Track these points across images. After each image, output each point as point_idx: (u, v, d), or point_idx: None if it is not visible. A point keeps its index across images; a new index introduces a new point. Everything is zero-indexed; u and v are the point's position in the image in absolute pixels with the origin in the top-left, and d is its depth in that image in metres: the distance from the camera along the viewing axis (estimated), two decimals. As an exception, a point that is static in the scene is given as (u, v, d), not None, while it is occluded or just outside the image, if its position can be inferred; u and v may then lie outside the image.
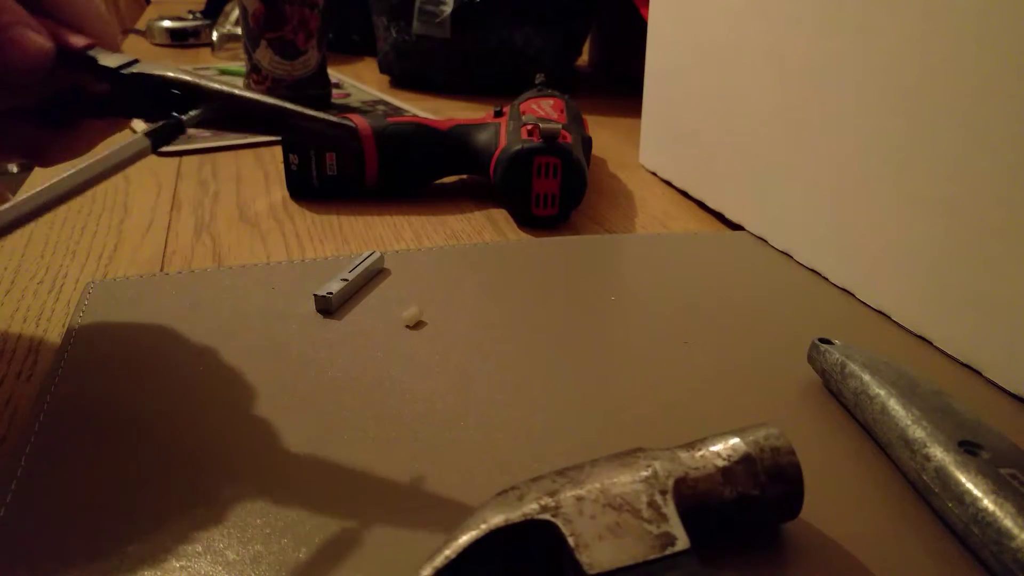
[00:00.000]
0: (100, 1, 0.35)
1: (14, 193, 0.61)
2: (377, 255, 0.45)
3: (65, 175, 0.27)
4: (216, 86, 0.31)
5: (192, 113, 0.30)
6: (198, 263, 0.48)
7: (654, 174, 0.68)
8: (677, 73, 0.61)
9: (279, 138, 0.57)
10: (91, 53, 0.32)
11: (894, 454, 0.30)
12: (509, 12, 0.89)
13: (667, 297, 0.44)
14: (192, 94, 0.31)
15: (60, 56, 0.32)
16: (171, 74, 0.31)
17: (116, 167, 0.28)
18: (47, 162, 0.36)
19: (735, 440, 0.26)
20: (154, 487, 0.28)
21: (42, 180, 0.61)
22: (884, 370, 0.33)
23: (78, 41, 0.32)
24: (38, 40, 0.30)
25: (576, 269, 0.47)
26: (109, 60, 0.32)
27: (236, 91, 0.31)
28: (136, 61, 0.32)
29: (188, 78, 0.31)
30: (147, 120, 0.32)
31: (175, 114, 0.30)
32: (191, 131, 0.74)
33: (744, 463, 0.25)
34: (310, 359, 0.36)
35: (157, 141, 0.29)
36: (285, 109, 0.31)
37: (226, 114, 0.31)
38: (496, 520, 0.23)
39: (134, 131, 0.67)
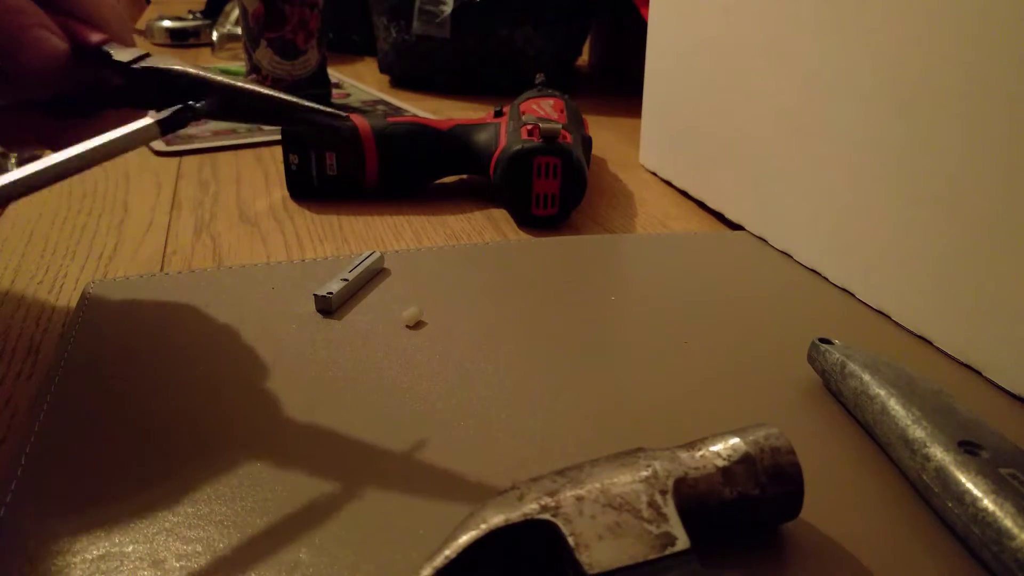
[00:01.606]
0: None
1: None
2: (377, 255, 0.45)
3: (75, 150, 0.29)
4: (221, 79, 0.33)
5: (199, 104, 0.32)
6: (198, 263, 0.48)
7: (654, 174, 0.68)
8: (677, 73, 0.61)
9: (279, 138, 0.57)
10: (105, 48, 0.34)
11: (894, 454, 0.30)
12: (509, 12, 0.89)
13: (667, 297, 0.44)
14: (199, 87, 0.33)
15: (76, 52, 0.33)
16: (178, 67, 0.33)
17: (123, 148, 0.30)
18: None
19: (735, 440, 0.26)
20: (154, 486, 0.28)
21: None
22: (884, 370, 0.33)
23: (93, 37, 0.34)
24: (54, 41, 0.32)
25: (576, 269, 0.47)
26: (122, 55, 0.34)
27: (240, 84, 0.33)
28: (147, 55, 0.34)
29: (195, 71, 0.33)
30: (159, 111, 0.34)
31: (190, 103, 0.32)
32: (192, 131, 0.74)
33: (744, 463, 0.25)
34: (310, 359, 0.36)
35: (166, 127, 0.31)
36: (287, 101, 0.32)
37: (231, 106, 0.33)
38: (496, 520, 0.23)
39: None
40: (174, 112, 0.31)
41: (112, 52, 0.34)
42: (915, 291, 0.40)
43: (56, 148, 0.37)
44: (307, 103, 0.32)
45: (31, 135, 0.37)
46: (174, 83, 0.33)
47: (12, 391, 0.35)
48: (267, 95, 0.32)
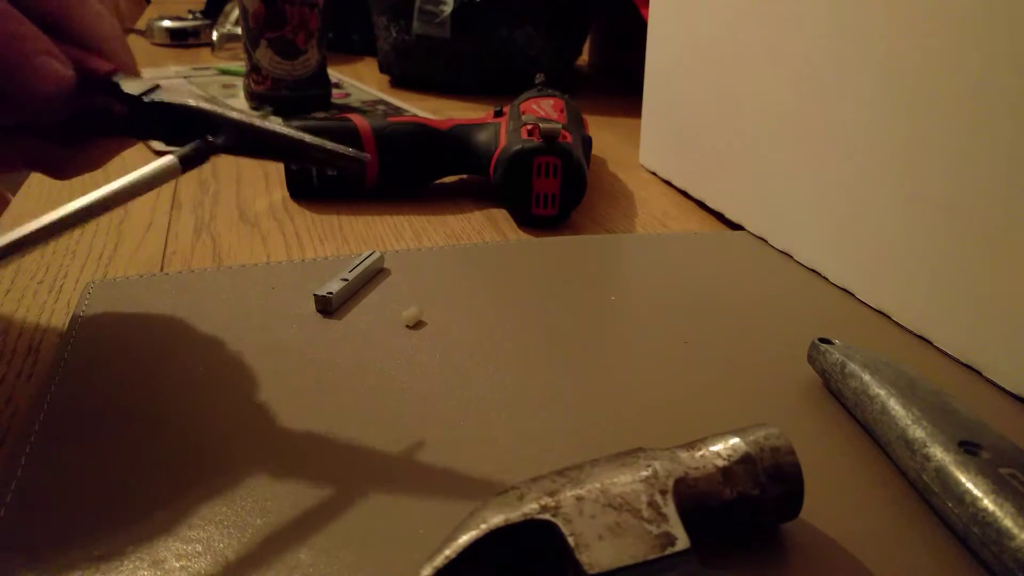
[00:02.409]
0: (116, 24, 0.35)
1: (14, 194, 0.61)
2: (377, 255, 0.45)
3: (98, 194, 0.28)
4: (235, 116, 0.32)
5: (218, 140, 0.31)
6: (198, 263, 0.48)
7: (654, 174, 0.68)
8: (677, 73, 0.61)
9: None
10: (114, 79, 0.33)
11: (894, 454, 0.30)
12: (509, 12, 0.89)
13: (667, 297, 0.44)
14: (211, 123, 0.32)
15: (83, 80, 0.32)
16: (192, 103, 0.33)
17: (146, 187, 0.30)
18: (62, 176, 0.37)
19: (735, 440, 0.26)
20: (154, 487, 0.28)
21: (40, 180, 0.61)
22: (884, 370, 0.33)
23: (101, 66, 0.33)
24: (59, 68, 0.31)
25: (576, 269, 0.47)
26: (132, 87, 0.33)
27: (255, 122, 0.32)
28: (157, 87, 0.33)
29: (208, 107, 0.32)
30: (165, 143, 0.33)
31: (210, 138, 0.31)
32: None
33: (744, 463, 0.25)
34: (310, 359, 0.36)
35: (187, 164, 0.31)
36: (301, 142, 0.32)
37: (244, 143, 0.32)
38: (496, 520, 0.23)
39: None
40: (194, 148, 0.31)
41: (121, 83, 0.33)
42: (915, 291, 0.40)
43: (53, 172, 0.37)
44: (322, 143, 0.32)
45: (22, 158, 0.36)
46: (187, 118, 0.32)
47: (12, 391, 0.35)
48: (281, 134, 0.32)
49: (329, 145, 0.32)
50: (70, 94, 0.31)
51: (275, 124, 0.32)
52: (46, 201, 0.58)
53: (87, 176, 0.40)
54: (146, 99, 0.33)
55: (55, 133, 0.35)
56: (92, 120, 0.35)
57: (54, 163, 0.36)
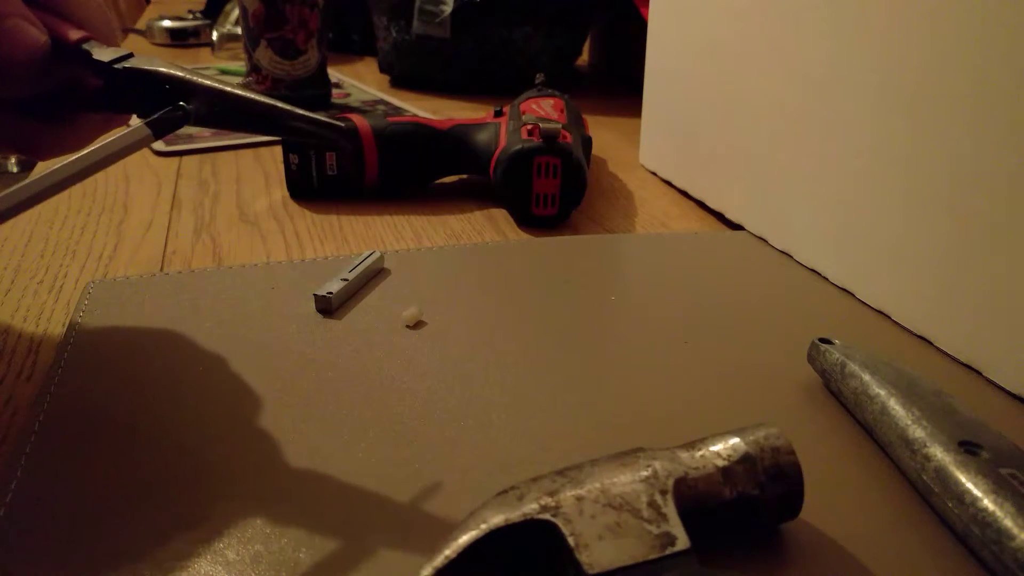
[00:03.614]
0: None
1: None
2: (377, 255, 0.45)
3: (67, 161, 0.27)
4: (208, 83, 0.31)
5: (190, 106, 0.30)
6: (198, 263, 0.48)
7: (654, 174, 0.68)
8: (677, 73, 0.61)
9: (279, 138, 0.57)
10: (85, 47, 0.32)
11: (894, 454, 0.30)
12: (509, 12, 0.89)
13: (667, 297, 0.44)
14: (184, 90, 0.31)
15: (54, 49, 0.31)
16: (163, 69, 0.31)
17: (117, 155, 0.28)
18: (42, 155, 0.36)
19: (735, 440, 0.26)
20: (154, 487, 0.28)
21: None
22: (884, 370, 0.33)
23: (72, 34, 0.32)
24: (33, 32, 0.30)
25: (576, 269, 0.47)
26: (103, 54, 0.32)
27: (228, 88, 0.31)
28: (130, 55, 0.32)
29: (180, 73, 0.31)
30: (140, 115, 0.31)
31: (182, 104, 0.30)
32: (192, 131, 0.74)
33: (744, 463, 0.25)
34: (310, 359, 0.36)
35: (158, 130, 0.29)
36: (277, 108, 0.30)
37: (218, 111, 0.31)
38: (496, 520, 0.23)
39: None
40: (164, 114, 0.30)
41: (93, 51, 0.32)
42: (915, 291, 0.40)
43: (32, 152, 0.35)
44: (299, 111, 0.31)
45: (5, 139, 0.35)
46: (157, 85, 0.31)
47: (12, 391, 0.35)
48: (257, 101, 0.30)
49: (307, 113, 0.31)
50: (43, 60, 0.30)
51: (250, 92, 0.31)
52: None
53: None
54: (116, 66, 0.31)
55: (32, 110, 0.34)
56: (68, 94, 0.34)
57: (33, 142, 0.35)
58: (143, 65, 0.31)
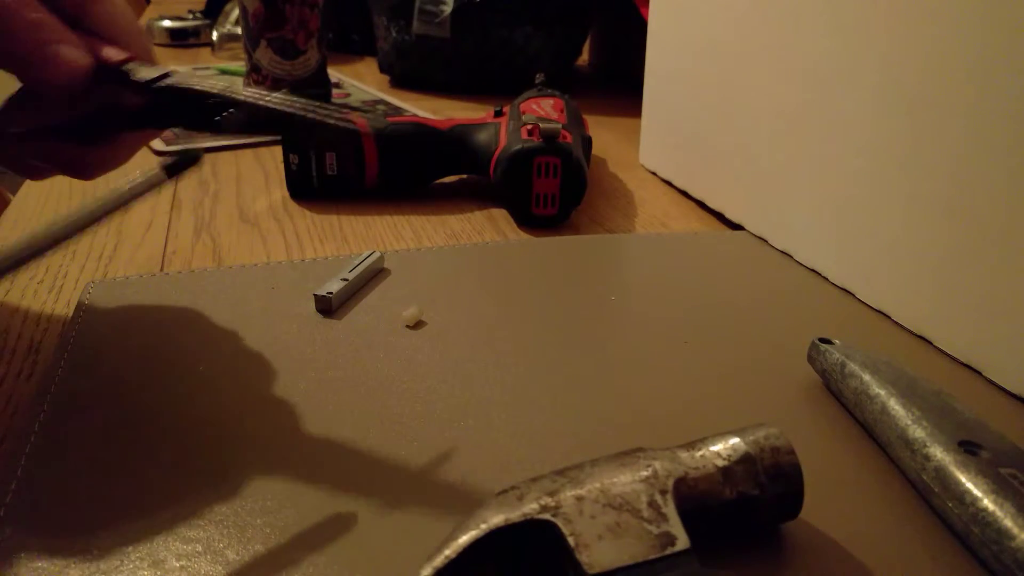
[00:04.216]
0: (134, 16, 0.36)
1: (14, 194, 0.61)
2: (377, 255, 0.45)
3: (84, 207, 0.29)
4: (243, 96, 0.32)
5: (225, 115, 0.32)
6: (198, 263, 0.48)
7: (654, 174, 0.68)
8: (677, 73, 0.61)
9: (279, 138, 0.58)
10: (125, 68, 0.33)
11: (894, 454, 0.30)
12: (509, 12, 0.89)
13: (667, 297, 0.44)
14: (222, 104, 0.32)
15: (97, 70, 0.32)
16: (202, 87, 0.33)
17: (133, 197, 0.30)
18: (85, 176, 0.38)
19: (735, 440, 0.26)
20: (153, 487, 0.28)
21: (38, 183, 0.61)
22: (884, 370, 0.33)
23: (114, 56, 0.33)
24: (76, 55, 0.31)
25: (576, 269, 0.47)
26: (143, 73, 0.33)
27: (263, 100, 0.32)
28: (168, 74, 0.33)
29: (217, 90, 0.33)
30: (184, 128, 0.34)
31: (191, 147, 0.32)
32: (191, 131, 0.74)
33: (744, 463, 0.25)
34: (310, 359, 0.36)
35: (171, 172, 0.31)
36: (310, 108, 0.32)
37: (254, 120, 0.33)
38: (496, 520, 0.23)
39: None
40: (178, 158, 0.31)
41: (132, 71, 0.33)
42: (915, 291, 0.40)
43: (75, 173, 0.37)
44: (336, 116, 0.32)
45: (50, 162, 0.36)
46: (199, 101, 0.33)
47: (12, 391, 0.35)
48: (289, 112, 0.32)
49: (335, 111, 0.32)
50: (86, 82, 0.31)
51: (283, 100, 0.33)
52: (45, 201, 0.58)
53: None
54: (157, 85, 0.33)
55: (75, 133, 0.35)
56: (108, 115, 0.35)
57: (78, 164, 0.36)
58: (182, 83, 0.33)
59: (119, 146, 0.37)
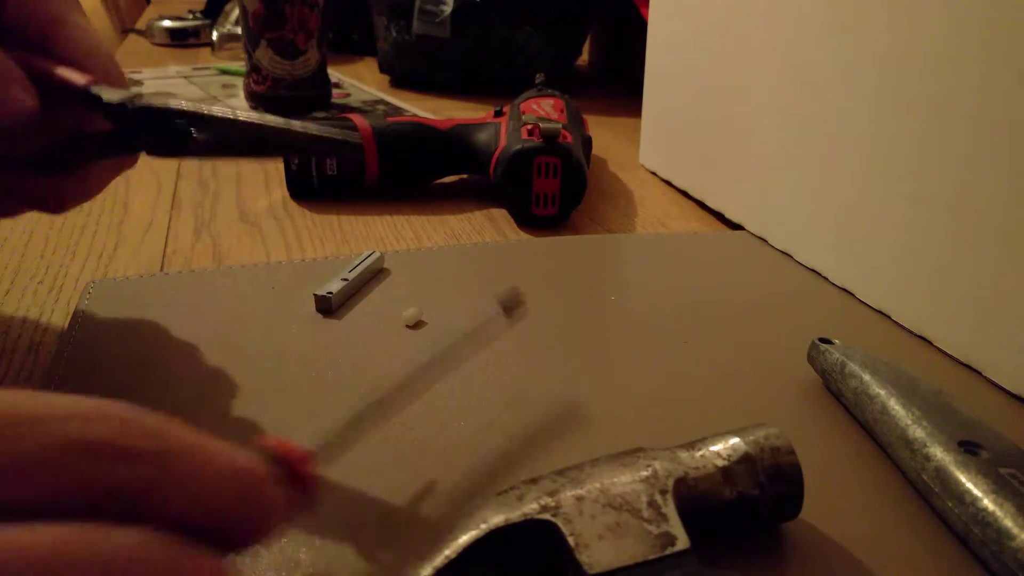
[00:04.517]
0: (101, 38, 0.35)
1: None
2: (377, 255, 0.45)
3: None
4: (219, 113, 0.31)
5: (197, 138, 0.30)
6: (198, 263, 0.48)
7: (654, 174, 0.68)
8: (677, 73, 0.61)
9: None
10: (94, 90, 0.32)
11: (894, 454, 0.30)
12: (509, 12, 0.89)
13: (667, 297, 0.44)
14: (196, 122, 0.31)
15: (62, 96, 0.31)
16: (173, 104, 0.31)
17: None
18: (57, 209, 0.36)
19: (735, 440, 0.26)
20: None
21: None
22: (884, 370, 0.33)
23: (78, 79, 0.32)
24: (21, 97, 0.30)
25: (576, 269, 0.47)
26: (111, 95, 0.32)
27: (240, 116, 0.31)
28: (139, 95, 0.32)
29: (189, 107, 0.31)
30: (152, 153, 0.32)
31: (194, 133, 0.30)
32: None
33: (744, 463, 0.25)
34: (310, 359, 0.36)
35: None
36: (290, 131, 0.31)
37: (232, 139, 0.31)
38: (496, 520, 0.23)
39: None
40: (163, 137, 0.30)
41: (101, 94, 0.32)
42: (915, 291, 0.40)
43: (48, 208, 0.35)
44: (312, 130, 0.31)
45: (16, 197, 0.35)
46: (170, 121, 0.31)
47: (12, 391, 0.35)
48: (268, 126, 0.31)
49: (322, 131, 0.31)
50: (33, 121, 0.30)
51: (261, 115, 0.31)
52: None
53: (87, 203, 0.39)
54: (128, 106, 0.31)
55: (41, 164, 0.34)
56: (77, 144, 0.34)
57: (48, 196, 0.35)
58: (153, 102, 0.31)
59: (90, 176, 0.35)
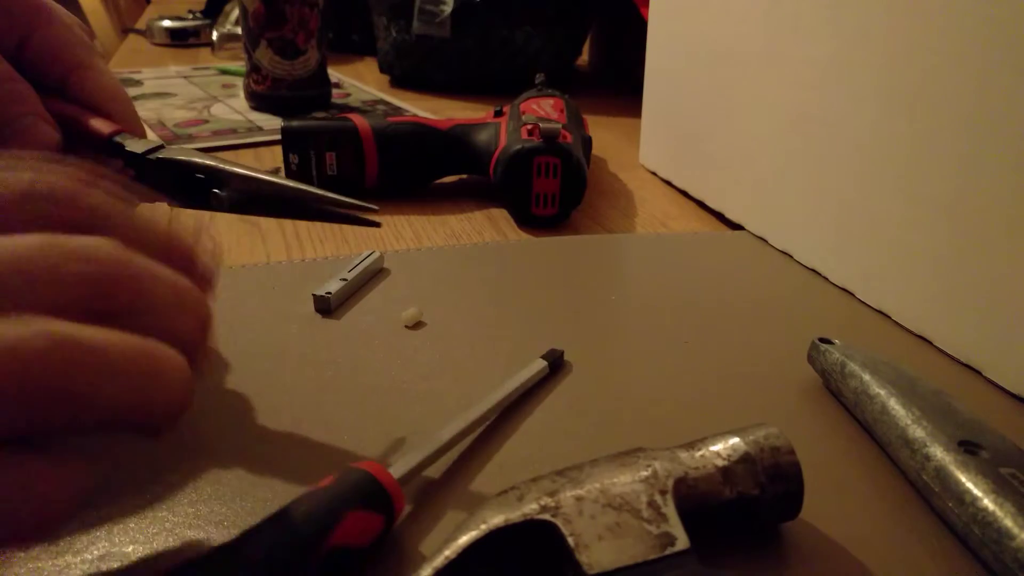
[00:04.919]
0: (120, 85, 0.36)
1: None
2: (377, 255, 0.45)
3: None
4: (240, 170, 0.32)
5: (222, 193, 0.32)
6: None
7: (654, 174, 0.68)
8: (677, 73, 0.61)
9: (280, 138, 0.57)
10: (117, 139, 0.33)
11: (894, 454, 0.30)
12: (509, 12, 0.89)
13: (667, 297, 0.44)
14: (216, 177, 0.32)
15: (86, 142, 0.32)
16: (196, 159, 0.32)
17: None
18: None
19: (735, 440, 0.26)
20: (152, 487, 0.28)
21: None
22: (884, 370, 0.33)
23: (105, 128, 0.33)
24: (46, 130, 0.31)
25: (576, 269, 0.47)
26: (135, 146, 0.33)
27: (260, 175, 0.32)
28: (161, 146, 0.33)
29: (212, 163, 0.32)
30: (174, 205, 0.33)
31: (216, 191, 0.31)
32: (192, 131, 0.74)
33: (744, 463, 0.25)
34: (310, 359, 0.36)
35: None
36: (308, 193, 0.32)
37: (250, 197, 0.32)
38: (496, 520, 0.23)
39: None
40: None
41: (124, 143, 0.33)
42: (915, 291, 0.40)
43: None
44: (331, 195, 0.32)
45: None
46: (190, 174, 0.32)
47: (12, 391, 0.35)
48: (287, 186, 0.32)
49: (340, 198, 0.32)
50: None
51: (282, 178, 0.32)
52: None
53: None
54: (150, 157, 0.32)
55: None
56: None
57: None
58: (175, 156, 0.33)
59: None
